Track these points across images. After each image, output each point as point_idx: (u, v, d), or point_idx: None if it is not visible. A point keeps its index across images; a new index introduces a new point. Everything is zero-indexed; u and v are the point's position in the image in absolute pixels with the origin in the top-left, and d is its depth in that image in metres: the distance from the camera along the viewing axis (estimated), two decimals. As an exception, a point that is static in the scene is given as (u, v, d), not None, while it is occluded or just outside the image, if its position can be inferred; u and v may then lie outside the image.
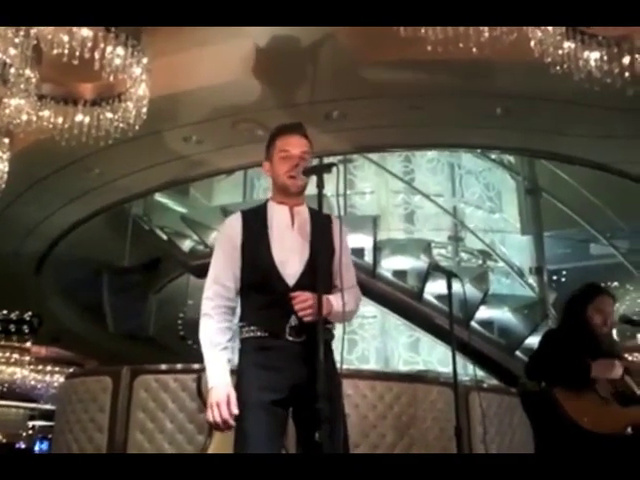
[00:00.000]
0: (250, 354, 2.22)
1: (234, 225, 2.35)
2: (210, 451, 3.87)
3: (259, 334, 2.21)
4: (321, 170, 2.24)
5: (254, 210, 2.43)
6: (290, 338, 2.17)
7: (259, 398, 2.12)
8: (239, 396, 2.15)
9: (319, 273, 2.09)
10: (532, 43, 3.94)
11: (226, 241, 2.34)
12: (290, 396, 2.15)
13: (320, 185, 2.21)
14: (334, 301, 2.18)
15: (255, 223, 2.34)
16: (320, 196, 2.21)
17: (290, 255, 2.24)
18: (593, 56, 3.95)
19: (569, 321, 3.40)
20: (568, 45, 3.91)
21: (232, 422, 2.11)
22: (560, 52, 3.93)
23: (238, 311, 2.33)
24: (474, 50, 3.97)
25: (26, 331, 3.25)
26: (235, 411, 2.11)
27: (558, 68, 3.98)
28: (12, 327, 3.27)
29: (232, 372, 2.23)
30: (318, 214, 2.30)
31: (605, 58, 3.95)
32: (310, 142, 2.42)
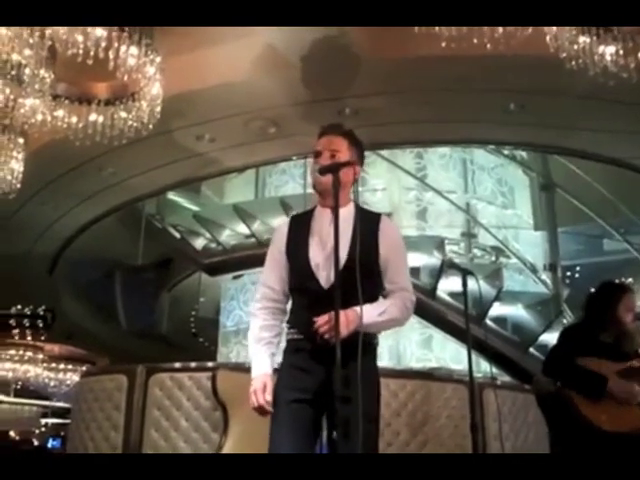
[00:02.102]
0: (288, 355, 2.30)
1: (281, 229, 2.43)
2: (225, 449, 3.89)
3: (295, 336, 2.28)
4: (336, 168, 2.24)
5: (303, 213, 2.48)
6: (320, 342, 2.15)
7: (286, 397, 2.19)
8: (273, 394, 2.24)
9: (337, 281, 2.06)
10: (547, 38, 3.91)
11: (274, 244, 2.42)
12: (318, 397, 2.17)
13: (336, 183, 2.21)
14: (365, 313, 2.11)
15: (300, 226, 2.38)
16: (336, 194, 2.20)
17: (327, 258, 2.23)
18: (608, 50, 3.92)
19: (595, 318, 3.37)
20: (583, 40, 3.88)
21: (268, 408, 2.20)
22: (575, 47, 3.90)
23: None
24: (488, 46, 3.95)
25: (40, 326, 3.26)
26: (269, 398, 2.21)
27: (573, 63, 3.96)
28: (26, 322, 3.28)
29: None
30: (366, 214, 2.31)
31: (621, 52, 3.91)
32: (347, 140, 2.38)
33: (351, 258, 2.15)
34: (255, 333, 2.32)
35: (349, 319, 2.09)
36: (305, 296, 2.27)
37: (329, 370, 2.09)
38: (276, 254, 2.38)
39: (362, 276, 2.10)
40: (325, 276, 2.22)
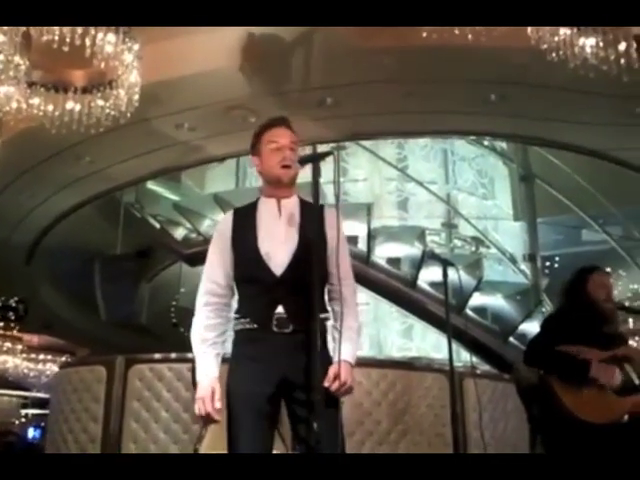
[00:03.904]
0: (240, 346, 2.25)
1: (226, 221, 2.41)
2: (206, 441, 3.87)
3: (248, 326, 2.23)
4: (317, 158, 2.22)
5: (246, 206, 2.46)
6: (276, 330, 2.17)
7: (246, 390, 2.14)
8: (228, 387, 2.19)
9: (314, 274, 2.07)
10: (528, 30, 3.92)
11: (218, 238, 2.40)
12: (280, 389, 2.15)
13: (316, 174, 2.19)
14: (352, 356, 2.21)
15: (245, 217, 2.37)
16: (316, 185, 2.19)
17: (277, 246, 2.25)
18: (589, 43, 3.94)
19: (571, 303, 3.40)
20: (564, 32, 3.90)
21: (216, 416, 2.14)
22: (556, 39, 3.92)
23: (234, 304, 2.36)
24: (469, 37, 3.95)
25: (12, 318, 3.20)
26: (218, 406, 2.14)
27: (554, 55, 3.97)
28: (-2, 313, 3.20)
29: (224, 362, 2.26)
30: (309, 204, 2.30)
31: (601, 45, 3.93)
32: (296, 134, 2.41)
33: (302, 247, 2.19)
34: (200, 332, 2.27)
35: (348, 375, 2.14)
36: (256, 285, 2.24)
37: (290, 359, 2.12)
38: (221, 246, 2.34)
39: (311, 265, 2.10)
40: (276, 264, 2.22)
